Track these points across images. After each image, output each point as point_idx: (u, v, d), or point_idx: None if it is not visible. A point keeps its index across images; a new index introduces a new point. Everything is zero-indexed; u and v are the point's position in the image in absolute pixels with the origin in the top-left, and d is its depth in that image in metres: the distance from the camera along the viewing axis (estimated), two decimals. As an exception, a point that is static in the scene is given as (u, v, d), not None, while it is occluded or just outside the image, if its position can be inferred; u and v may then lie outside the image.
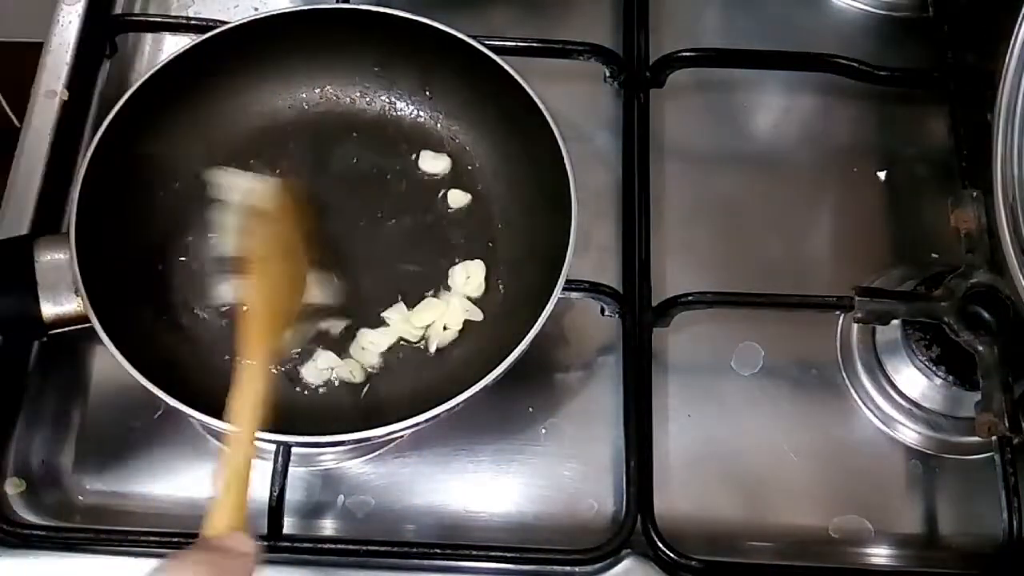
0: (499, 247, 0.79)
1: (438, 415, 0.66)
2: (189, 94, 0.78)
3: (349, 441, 0.72)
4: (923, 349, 0.78)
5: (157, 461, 0.75)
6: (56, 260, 0.70)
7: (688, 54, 0.87)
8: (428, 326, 0.76)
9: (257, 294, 0.69)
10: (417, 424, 0.66)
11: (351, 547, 0.72)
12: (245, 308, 0.69)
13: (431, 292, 0.77)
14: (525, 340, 0.68)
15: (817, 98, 0.91)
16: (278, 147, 0.81)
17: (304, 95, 0.82)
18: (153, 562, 0.69)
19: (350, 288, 0.76)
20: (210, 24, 0.81)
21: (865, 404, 0.80)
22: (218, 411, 0.66)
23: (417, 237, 0.79)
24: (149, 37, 0.91)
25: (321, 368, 0.74)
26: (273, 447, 0.72)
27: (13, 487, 0.74)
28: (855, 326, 0.81)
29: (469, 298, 0.77)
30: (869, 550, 0.76)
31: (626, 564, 0.71)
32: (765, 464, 0.77)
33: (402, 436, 0.75)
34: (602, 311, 0.80)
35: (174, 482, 0.75)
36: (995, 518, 0.73)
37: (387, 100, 0.83)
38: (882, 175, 0.88)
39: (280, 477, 0.71)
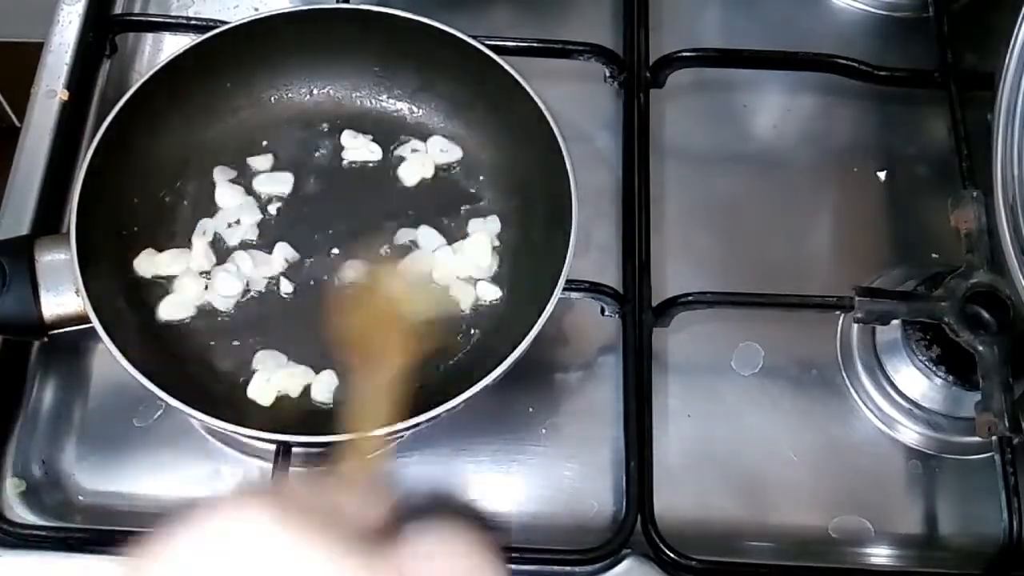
0: (499, 247, 0.78)
1: (438, 415, 0.66)
2: (189, 94, 0.78)
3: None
4: (923, 349, 0.78)
5: (157, 461, 0.75)
6: (56, 260, 0.70)
7: (688, 54, 0.87)
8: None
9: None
10: (417, 424, 0.66)
11: (351, 547, 0.72)
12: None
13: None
14: (525, 340, 0.68)
15: (817, 98, 0.91)
16: (278, 147, 0.81)
17: (304, 95, 0.82)
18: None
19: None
20: (210, 24, 0.81)
21: (865, 404, 0.80)
22: (218, 411, 0.66)
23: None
24: (149, 37, 0.91)
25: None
26: (273, 447, 0.72)
27: (13, 487, 0.74)
28: (855, 326, 0.81)
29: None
30: (869, 550, 0.76)
31: (626, 564, 0.71)
32: (765, 464, 0.77)
33: (402, 436, 0.75)
34: (602, 311, 0.80)
35: (174, 482, 0.75)
36: (995, 518, 0.73)
37: (387, 100, 0.83)
38: (882, 175, 0.88)
39: (280, 477, 0.71)
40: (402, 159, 0.81)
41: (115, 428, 0.76)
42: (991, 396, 0.72)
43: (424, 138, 0.81)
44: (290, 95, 0.82)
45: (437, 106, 0.82)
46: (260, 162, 0.80)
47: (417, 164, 0.80)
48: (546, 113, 0.74)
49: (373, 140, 0.81)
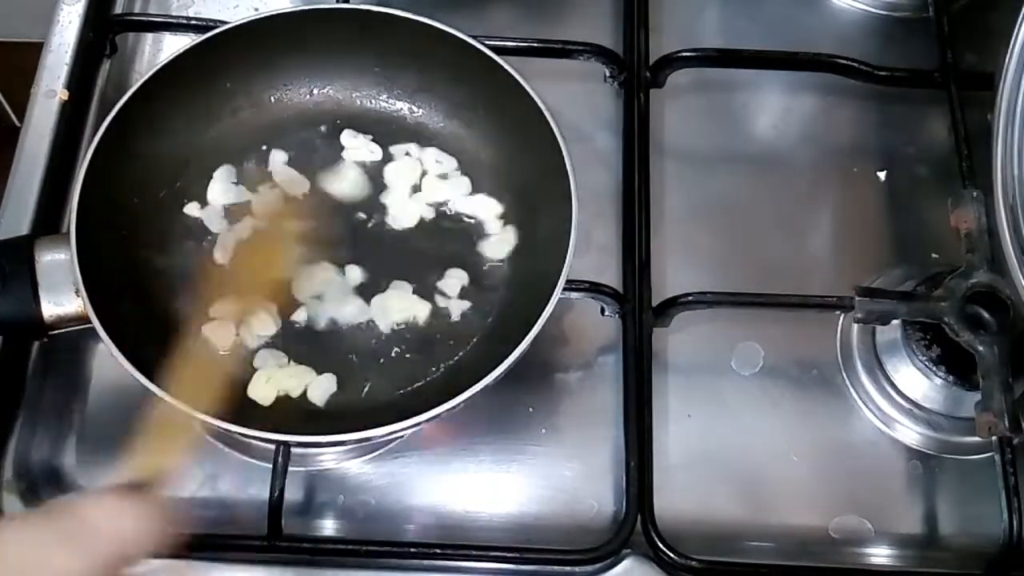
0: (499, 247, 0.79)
1: (438, 415, 0.66)
2: (189, 94, 0.78)
3: (349, 441, 0.72)
4: (923, 349, 0.78)
5: (157, 461, 0.75)
6: (56, 260, 0.70)
7: (688, 54, 0.88)
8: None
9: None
10: (417, 424, 0.66)
11: (351, 547, 0.72)
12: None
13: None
14: (525, 340, 0.68)
15: (817, 98, 0.91)
16: (278, 147, 0.81)
17: (304, 95, 0.82)
18: (152, 562, 0.70)
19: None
20: (210, 24, 0.81)
21: (865, 404, 0.80)
22: (218, 411, 0.66)
23: (416, 237, 0.79)
24: (149, 37, 0.91)
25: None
26: (273, 447, 0.72)
27: (13, 487, 0.74)
28: (855, 326, 0.81)
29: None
30: (869, 550, 0.76)
31: (626, 564, 0.71)
32: (765, 464, 0.77)
33: (402, 436, 0.75)
34: (602, 311, 0.80)
35: (174, 482, 0.75)
36: (995, 518, 0.73)
37: (387, 100, 0.83)
38: (882, 175, 0.88)
39: (280, 477, 0.71)
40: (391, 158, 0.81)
41: (115, 428, 0.76)
42: (991, 396, 0.72)
43: (422, 144, 0.82)
44: (290, 95, 0.82)
45: (437, 106, 0.82)
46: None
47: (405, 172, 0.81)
48: (546, 113, 0.74)
49: (373, 140, 0.81)
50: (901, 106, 0.90)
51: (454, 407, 0.66)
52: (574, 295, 0.77)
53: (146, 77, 0.74)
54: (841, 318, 0.82)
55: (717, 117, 0.90)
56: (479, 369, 0.68)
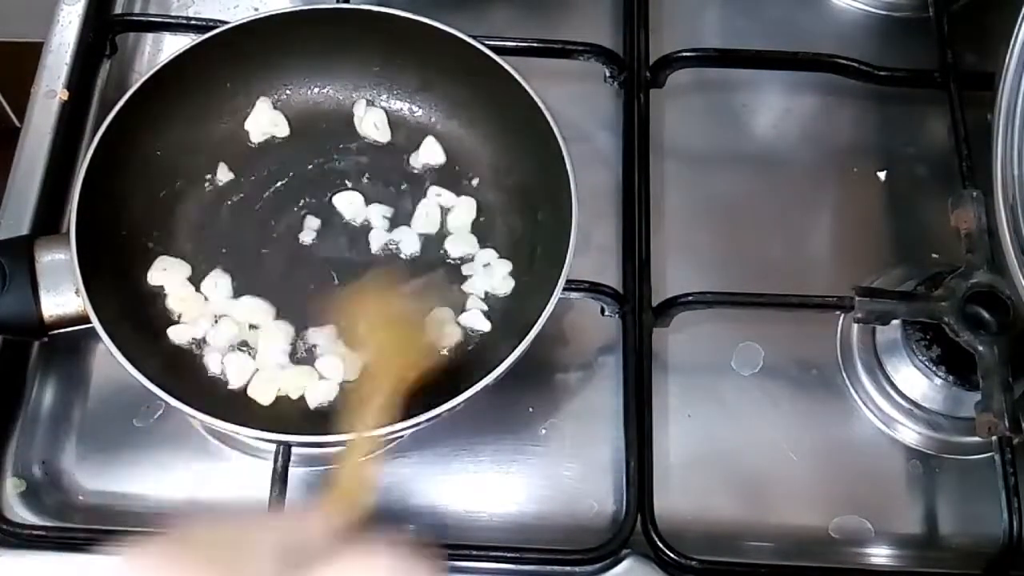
0: (499, 247, 0.78)
1: (438, 415, 0.66)
2: (189, 94, 0.78)
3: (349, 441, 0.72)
4: (923, 349, 0.78)
5: (157, 461, 0.75)
6: (56, 260, 0.70)
7: (688, 54, 0.88)
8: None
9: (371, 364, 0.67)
10: (417, 424, 0.66)
11: (351, 547, 0.72)
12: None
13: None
14: (525, 340, 0.68)
15: (817, 98, 0.92)
16: (278, 146, 0.81)
17: (304, 95, 0.82)
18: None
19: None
20: (210, 24, 0.81)
21: (865, 404, 0.80)
22: (218, 411, 0.66)
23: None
24: (149, 37, 0.91)
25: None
26: (273, 447, 0.72)
27: (13, 487, 0.74)
28: (855, 326, 0.81)
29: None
30: (869, 550, 0.76)
31: (626, 564, 0.71)
32: (765, 464, 0.77)
33: (402, 436, 0.75)
34: (602, 311, 0.80)
35: (174, 482, 0.75)
36: (995, 518, 0.73)
37: (387, 100, 0.83)
38: (882, 175, 0.88)
39: (280, 477, 0.71)
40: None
41: (115, 428, 0.76)
42: (991, 396, 0.72)
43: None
44: (290, 95, 0.82)
45: (437, 106, 0.82)
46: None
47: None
48: (546, 113, 0.74)
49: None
50: (901, 106, 0.90)
51: (454, 407, 0.66)
52: (574, 295, 0.77)
53: (146, 77, 0.74)
54: (841, 318, 0.82)
55: (717, 117, 0.90)
56: (479, 369, 0.68)
